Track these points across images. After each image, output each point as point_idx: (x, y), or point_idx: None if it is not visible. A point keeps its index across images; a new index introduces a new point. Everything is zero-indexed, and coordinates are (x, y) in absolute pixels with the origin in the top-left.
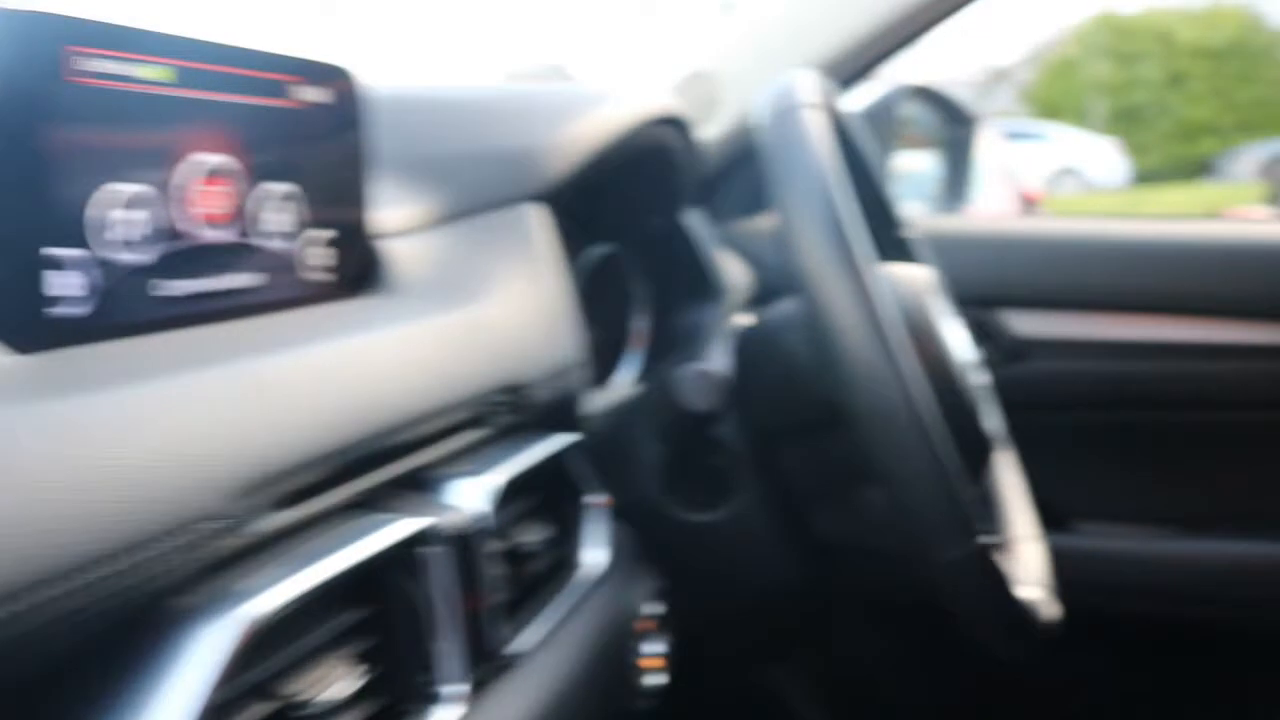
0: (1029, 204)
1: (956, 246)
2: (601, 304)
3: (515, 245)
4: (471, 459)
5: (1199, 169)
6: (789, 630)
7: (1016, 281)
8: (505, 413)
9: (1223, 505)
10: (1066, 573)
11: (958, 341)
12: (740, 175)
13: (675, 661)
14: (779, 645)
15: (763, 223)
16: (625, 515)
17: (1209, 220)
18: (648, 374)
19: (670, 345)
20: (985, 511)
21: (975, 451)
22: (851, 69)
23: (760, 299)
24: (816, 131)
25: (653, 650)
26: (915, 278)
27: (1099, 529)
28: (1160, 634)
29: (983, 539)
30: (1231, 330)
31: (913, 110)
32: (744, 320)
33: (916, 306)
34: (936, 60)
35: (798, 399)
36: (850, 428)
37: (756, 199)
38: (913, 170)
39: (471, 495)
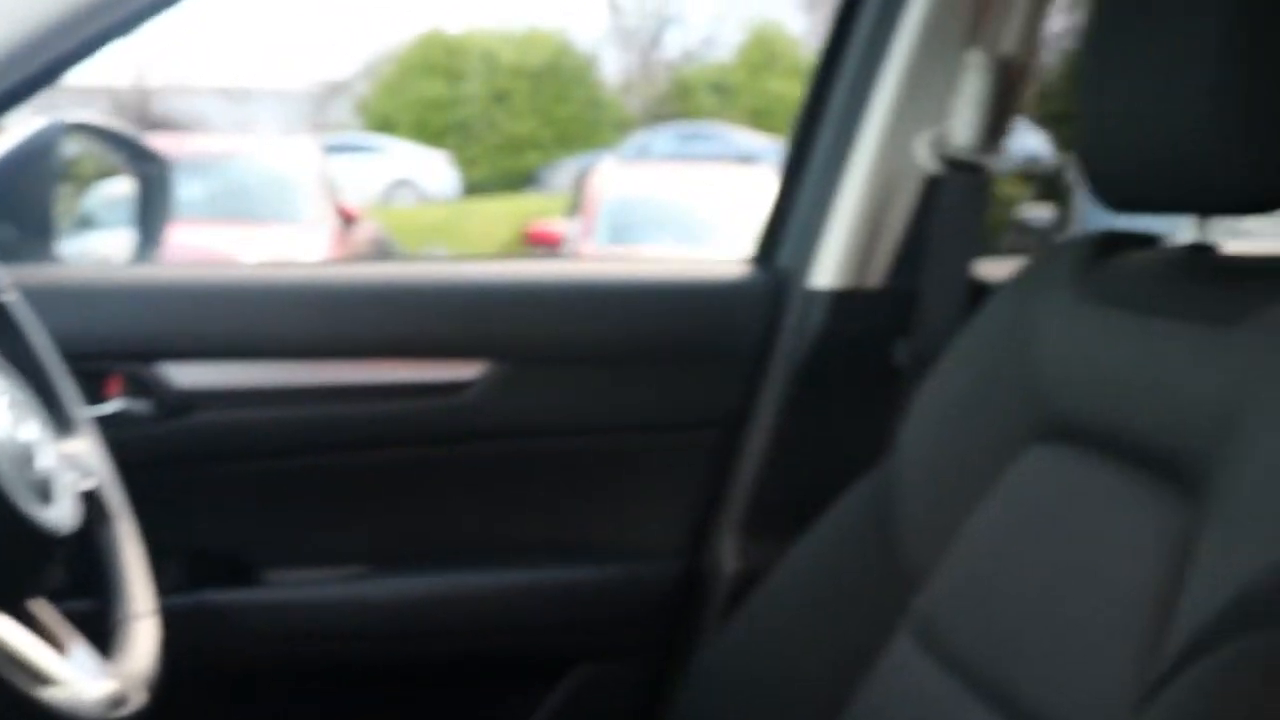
0: (349, 219)
1: (112, 296)
2: None
3: None
4: None
5: (525, 180)
6: None
7: (177, 332)
8: None
9: (403, 541)
10: (261, 625)
11: (4, 427)
12: None
13: None
14: None
15: None
16: None
17: (360, 263)
18: None
19: None
20: (96, 591)
21: (23, 546)
22: None
23: None
24: None
25: None
26: None
27: (293, 575)
28: (361, 674)
29: None
30: (387, 371)
31: (86, 146)
32: None
33: None
34: (271, 69)
35: None
36: None
37: None
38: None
39: None
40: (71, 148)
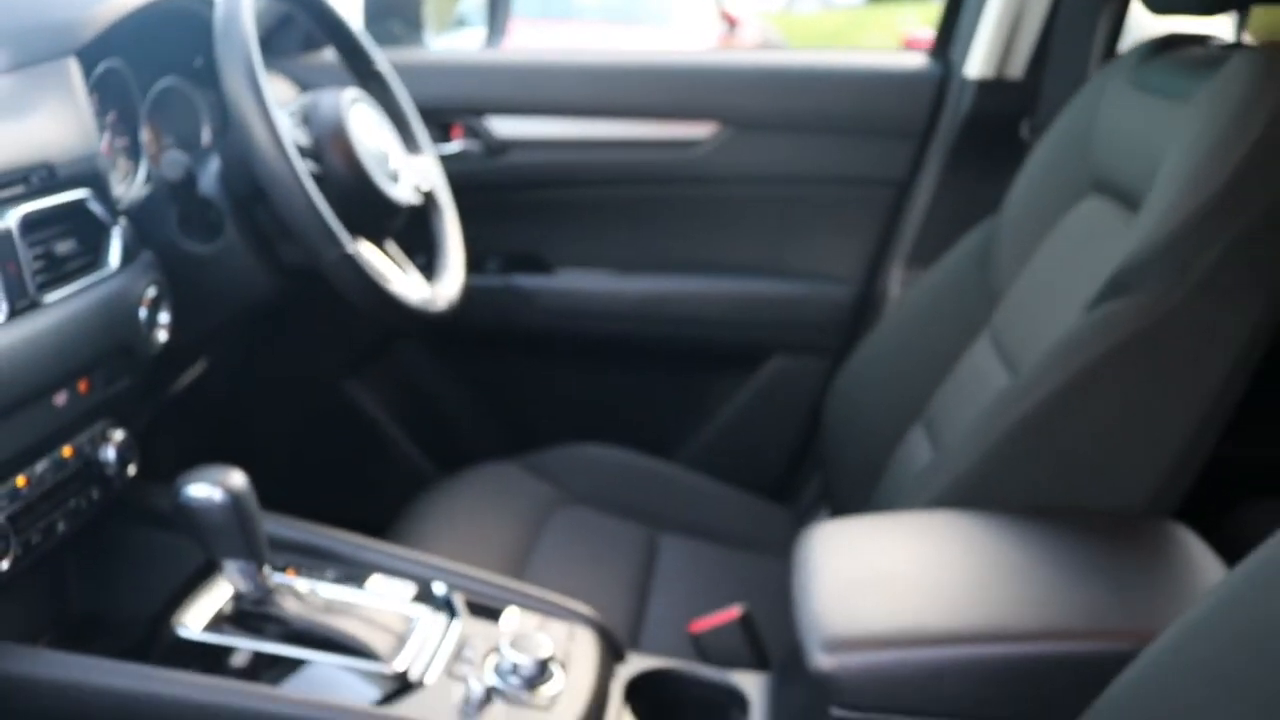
0: (732, 24)
1: (455, 71)
2: (174, 121)
3: (56, 82)
4: (12, 205)
5: None
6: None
7: (498, 95)
8: (42, 179)
9: (650, 253)
10: (549, 303)
11: (371, 138)
12: (294, 24)
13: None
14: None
15: (311, 59)
16: (152, 246)
17: (627, 51)
18: None
19: None
20: (426, 248)
21: (377, 205)
22: None
23: None
24: (246, 14)
25: (161, 319)
26: (342, 98)
27: (574, 270)
28: (617, 346)
29: (350, 248)
30: (644, 128)
31: None
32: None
33: (336, 117)
34: None
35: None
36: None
37: (308, 41)
38: None
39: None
40: None
